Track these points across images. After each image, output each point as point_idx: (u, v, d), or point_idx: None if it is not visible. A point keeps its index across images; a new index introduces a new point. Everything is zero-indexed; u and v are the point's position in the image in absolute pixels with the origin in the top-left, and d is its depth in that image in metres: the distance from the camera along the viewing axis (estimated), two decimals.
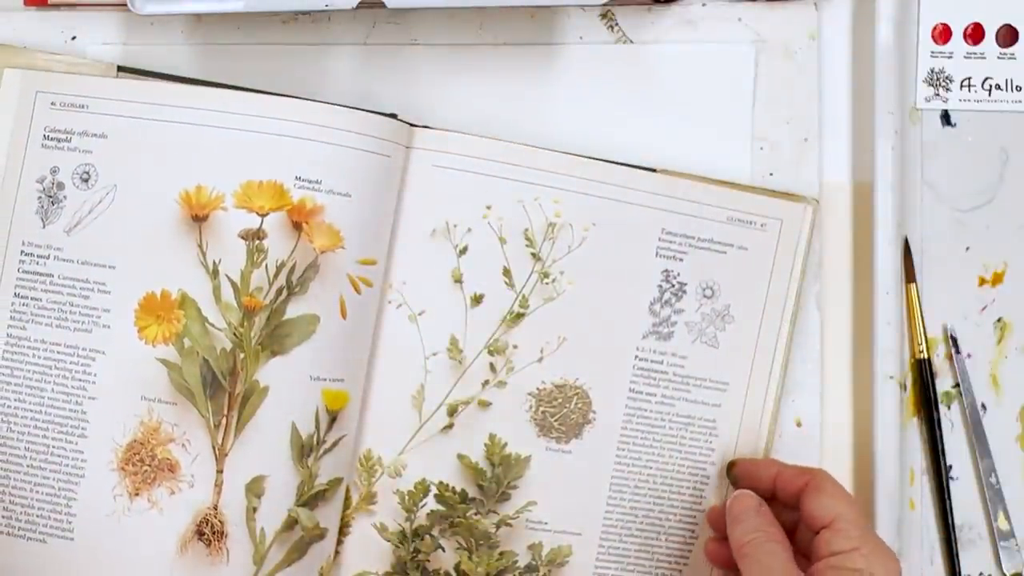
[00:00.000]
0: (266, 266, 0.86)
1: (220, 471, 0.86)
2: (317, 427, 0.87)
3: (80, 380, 0.86)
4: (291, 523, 0.86)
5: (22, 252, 0.87)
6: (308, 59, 0.92)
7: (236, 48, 0.92)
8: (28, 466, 0.86)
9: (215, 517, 0.85)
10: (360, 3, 0.87)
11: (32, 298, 0.87)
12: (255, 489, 0.86)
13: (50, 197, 0.87)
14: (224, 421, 0.86)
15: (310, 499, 0.87)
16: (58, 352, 0.87)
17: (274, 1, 0.88)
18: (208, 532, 0.85)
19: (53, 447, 0.86)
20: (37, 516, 0.86)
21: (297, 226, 0.86)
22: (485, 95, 0.93)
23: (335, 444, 0.87)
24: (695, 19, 0.94)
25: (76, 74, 0.88)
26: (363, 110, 0.87)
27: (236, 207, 0.86)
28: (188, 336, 0.86)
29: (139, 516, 0.86)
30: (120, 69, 0.88)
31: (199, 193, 0.86)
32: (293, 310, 0.86)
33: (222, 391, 0.86)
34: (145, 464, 0.86)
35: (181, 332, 0.86)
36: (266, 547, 0.86)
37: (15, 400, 0.87)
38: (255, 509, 0.86)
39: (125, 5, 0.86)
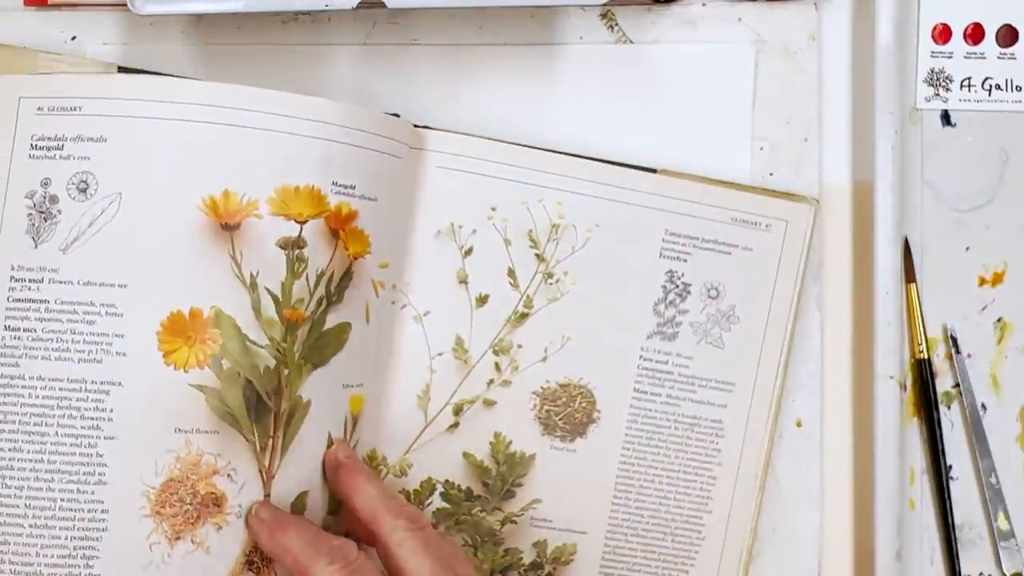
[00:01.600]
0: (307, 276, 0.80)
1: (268, 495, 0.79)
2: (345, 434, 0.83)
3: (92, 419, 0.76)
4: None
5: (12, 278, 0.78)
6: (308, 59, 0.92)
7: (236, 48, 0.92)
8: (31, 526, 0.76)
9: None
10: (360, 3, 0.87)
11: (25, 329, 0.77)
12: (299, 506, 0.80)
13: (42, 213, 0.78)
14: (271, 443, 0.79)
15: (336, 506, 0.82)
16: (60, 388, 0.76)
17: (274, 1, 0.87)
18: (258, 560, 0.78)
19: (62, 500, 0.76)
20: None
21: (335, 233, 0.81)
22: (485, 95, 0.93)
23: (354, 448, 0.84)
24: (695, 19, 0.94)
25: (64, 73, 0.80)
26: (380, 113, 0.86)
27: (272, 214, 0.79)
28: (226, 357, 0.77)
29: (183, 560, 0.77)
30: (120, 70, 0.85)
31: (227, 199, 0.78)
32: (332, 320, 0.81)
33: (267, 411, 0.78)
34: (186, 503, 0.77)
35: (218, 353, 0.77)
36: None
37: (10, 450, 0.76)
38: None
39: (125, 5, 0.85)
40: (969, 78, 0.94)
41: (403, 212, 0.88)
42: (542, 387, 0.89)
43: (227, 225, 0.78)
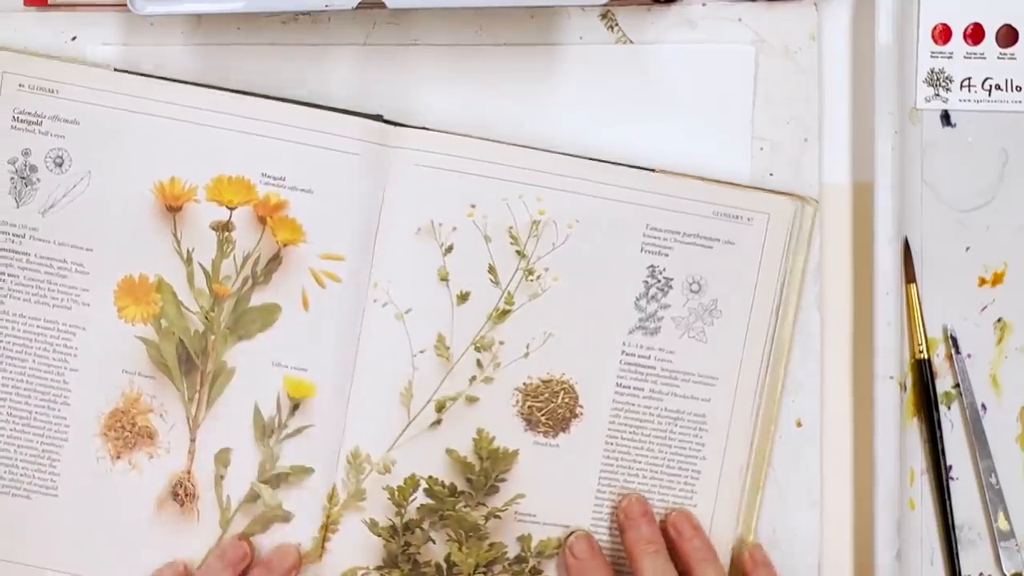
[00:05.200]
0: (234, 256, 0.91)
1: (193, 440, 0.91)
2: (278, 410, 0.91)
3: (61, 353, 0.91)
4: (253, 496, 0.91)
5: None
6: (308, 59, 0.93)
7: (236, 48, 0.93)
8: (12, 429, 0.91)
9: (188, 480, 0.91)
10: (360, 3, 0.87)
11: (9, 274, 0.91)
12: (222, 459, 0.91)
13: (23, 179, 0.91)
14: (197, 396, 0.91)
15: (272, 478, 0.91)
16: (38, 326, 0.91)
17: (274, 1, 0.88)
18: (182, 493, 0.91)
19: (36, 413, 0.91)
20: (21, 475, 0.91)
21: (262, 220, 0.91)
22: (485, 95, 0.93)
23: (299, 431, 0.90)
24: (695, 19, 0.94)
25: (45, 57, 0.91)
26: (330, 109, 0.90)
27: (208, 199, 0.91)
28: (165, 317, 0.91)
29: (120, 477, 0.91)
30: (118, 72, 0.90)
31: (173, 185, 0.91)
32: (257, 298, 0.91)
33: (195, 369, 0.91)
34: (126, 431, 0.91)
35: (158, 313, 0.91)
36: (231, 513, 0.91)
37: None
38: (222, 477, 0.91)
39: (125, 5, 0.87)
40: (969, 78, 0.94)
41: (359, 207, 0.90)
42: (524, 383, 0.90)
43: (171, 207, 0.91)
